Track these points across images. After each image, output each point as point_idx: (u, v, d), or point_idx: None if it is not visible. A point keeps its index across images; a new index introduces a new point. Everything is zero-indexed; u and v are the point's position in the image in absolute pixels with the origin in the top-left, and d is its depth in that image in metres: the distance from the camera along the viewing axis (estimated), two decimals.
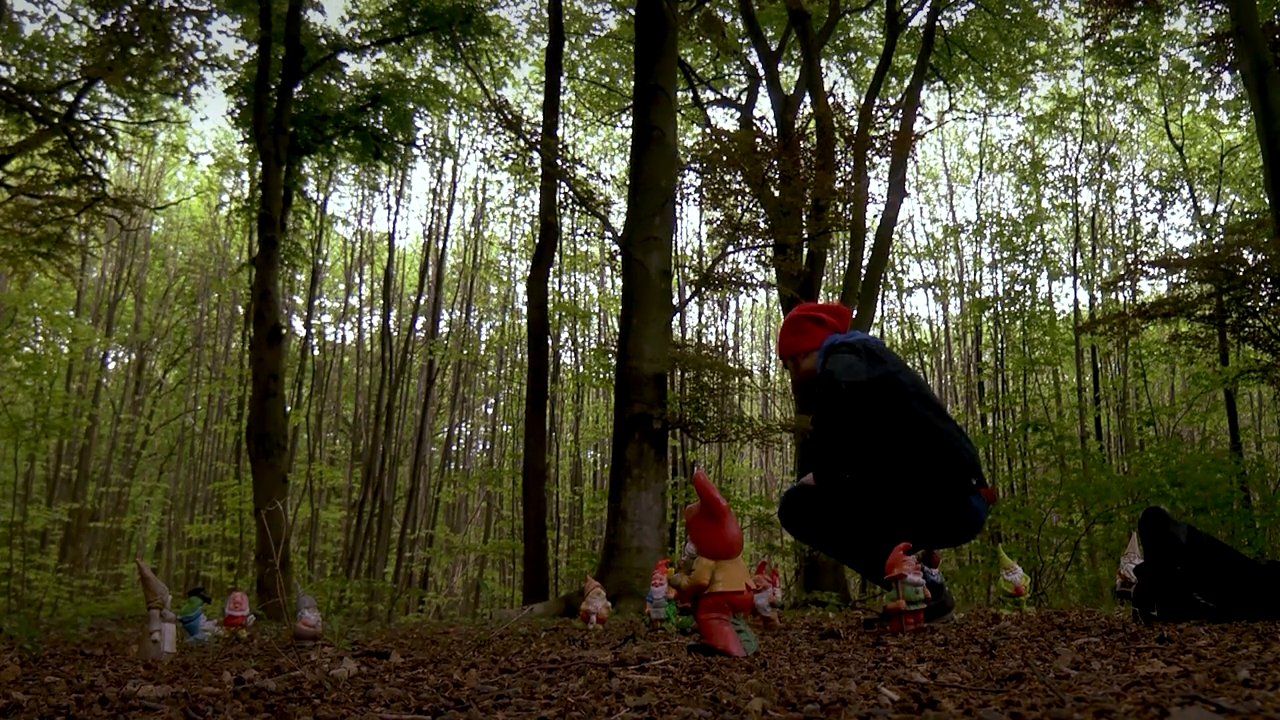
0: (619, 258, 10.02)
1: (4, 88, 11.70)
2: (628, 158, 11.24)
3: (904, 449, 3.23)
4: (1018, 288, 19.76)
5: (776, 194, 10.56)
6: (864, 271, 13.44)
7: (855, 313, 13.19)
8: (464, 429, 25.87)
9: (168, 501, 24.43)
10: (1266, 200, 10.66)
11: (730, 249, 11.09)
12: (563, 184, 10.70)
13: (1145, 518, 2.94)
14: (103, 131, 12.90)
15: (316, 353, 23.08)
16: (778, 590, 3.90)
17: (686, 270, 16.13)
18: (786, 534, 18.52)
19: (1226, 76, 14.96)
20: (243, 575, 17.37)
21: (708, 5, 14.08)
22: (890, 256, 17.70)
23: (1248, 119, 15.24)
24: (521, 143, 11.18)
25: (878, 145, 12.28)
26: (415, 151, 16.70)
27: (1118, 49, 16.09)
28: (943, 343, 23.78)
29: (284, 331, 12.46)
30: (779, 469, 25.21)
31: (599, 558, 9.78)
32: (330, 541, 22.33)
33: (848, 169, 11.88)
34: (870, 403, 3.18)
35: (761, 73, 14.91)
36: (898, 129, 13.44)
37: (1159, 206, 20.74)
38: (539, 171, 11.94)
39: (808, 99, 13.68)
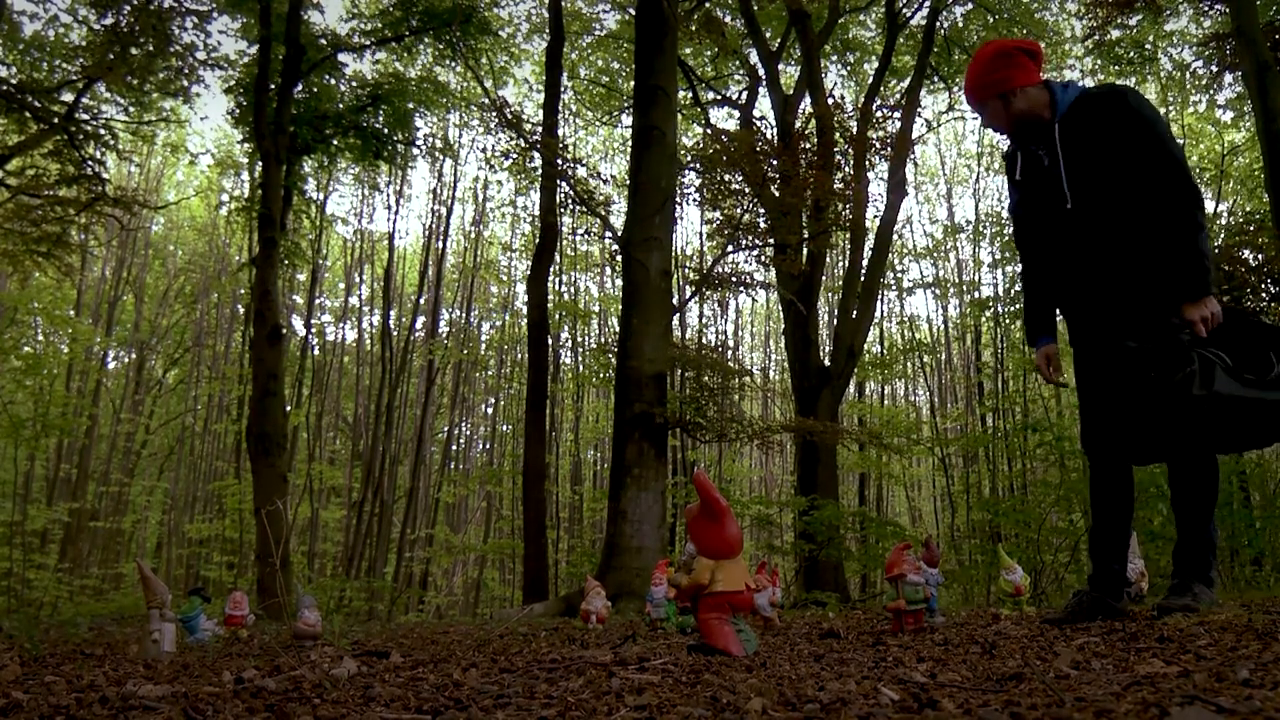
0: (619, 258, 10.03)
1: (4, 88, 11.71)
2: (628, 158, 11.24)
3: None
4: (1017, 288, 19.73)
5: (776, 194, 10.55)
6: (864, 271, 13.44)
7: (862, 315, 13.18)
8: (464, 429, 25.88)
9: (168, 501, 24.41)
10: (1267, 200, 10.66)
11: (730, 249, 11.09)
12: (563, 184, 10.71)
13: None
14: (103, 131, 12.91)
15: (316, 352, 23.09)
16: (778, 590, 3.90)
17: (686, 270, 16.12)
18: (788, 533, 18.43)
19: (1227, 77, 14.94)
20: (243, 575, 17.37)
21: (708, 5, 14.08)
22: (890, 256, 17.68)
23: (1250, 119, 15.22)
24: (522, 142, 11.19)
25: (877, 145, 12.28)
26: (415, 151, 16.71)
27: (1118, 49, 16.07)
28: (943, 343, 23.75)
29: (284, 331, 12.47)
30: (779, 469, 25.18)
31: (599, 558, 9.78)
32: (330, 541, 22.32)
33: (847, 169, 11.87)
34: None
35: (761, 73, 14.91)
36: (897, 129, 13.43)
37: None
38: (539, 171, 11.95)
39: (808, 99, 13.67)
